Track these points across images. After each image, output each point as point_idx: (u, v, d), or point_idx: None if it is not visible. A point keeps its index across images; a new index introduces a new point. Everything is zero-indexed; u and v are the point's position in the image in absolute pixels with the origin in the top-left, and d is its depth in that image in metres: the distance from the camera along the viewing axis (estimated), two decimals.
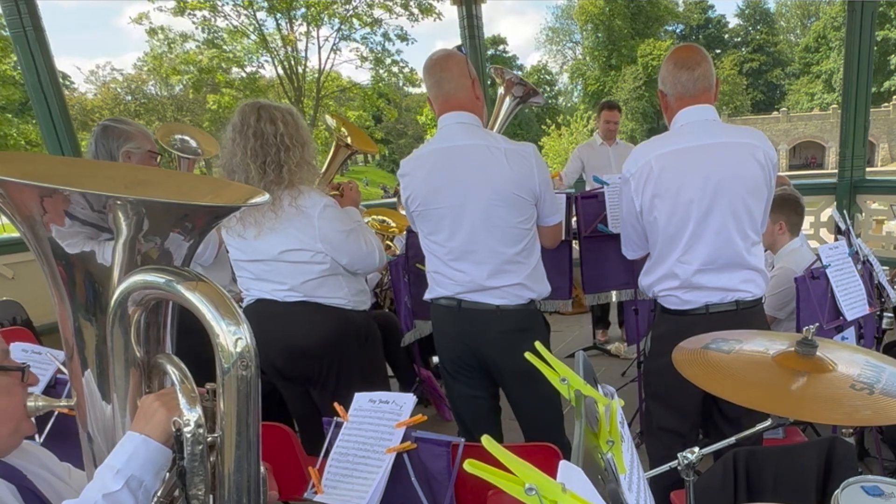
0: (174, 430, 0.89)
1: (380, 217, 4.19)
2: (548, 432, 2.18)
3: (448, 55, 2.07)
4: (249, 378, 0.83)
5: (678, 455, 1.32)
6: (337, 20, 24.99)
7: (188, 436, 0.87)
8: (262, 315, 2.20)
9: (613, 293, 3.30)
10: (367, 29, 25.50)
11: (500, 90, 3.53)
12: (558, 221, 2.23)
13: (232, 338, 0.82)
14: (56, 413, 1.79)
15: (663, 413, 2.17)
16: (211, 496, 0.90)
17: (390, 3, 24.02)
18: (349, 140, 3.39)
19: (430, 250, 2.14)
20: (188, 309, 0.84)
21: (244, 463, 0.87)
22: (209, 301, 0.82)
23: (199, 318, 0.83)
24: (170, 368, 0.95)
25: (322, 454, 1.54)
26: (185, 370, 0.94)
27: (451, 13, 5.87)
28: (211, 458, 0.89)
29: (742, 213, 1.94)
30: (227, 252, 2.37)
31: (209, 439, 0.89)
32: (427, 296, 2.23)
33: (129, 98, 33.40)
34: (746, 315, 2.01)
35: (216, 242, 2.52)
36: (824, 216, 5.34)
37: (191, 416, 0.88)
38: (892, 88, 42.03)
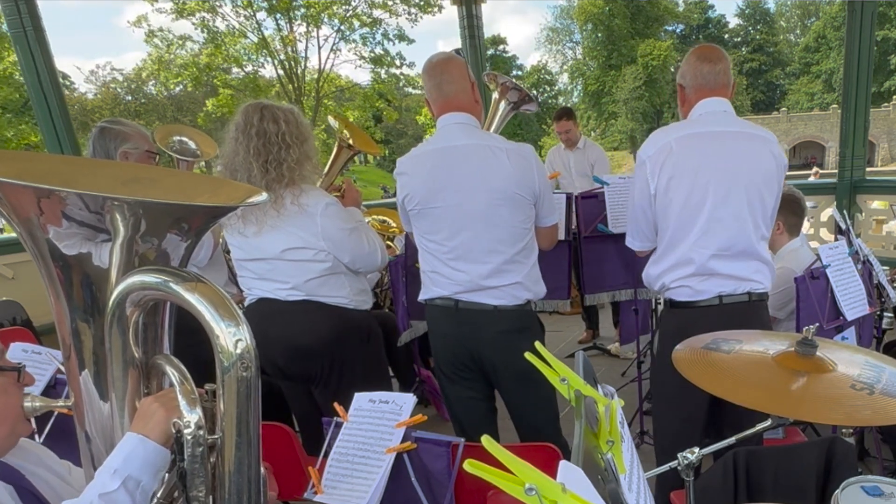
0: (174, 431, 0.88)
1: (380, 217, 4.19)
2: (544, 433, 2.18)
3: (449, 58, 2.08)
4: (250, 379, 0.83)
5: (678, 455, 1.31)
6: (337, 20, 24.97)
7: (188, 437, 0.87)
8: (264, 314, 2.20)
9: (613, 293, 3.30)
10: (367, 29, 25.49)
11: (495, 95, 3.53)
12: (555, 223, 2.23)
13: (232, 339, 0.81)
14: (56, 413, 1.78)
15: (671, 413, 2.14)
16: (211, 497, 0.89)
17: (390, 3, 24.00)
18: (351, 141, 3.38)
19: (428, 249, 2.14)
20: (187, 310, 0.84)
21: (244, 464, 0.87)
22: (209, 302, 0.82)
23: (198, 319, 0.82)
24: (169, 369, 0.94)
25: (322, 454, 1.54)
26: (184, 371, 0.94)
27: (451, 13, 5.86)
28: (211, 459, 0.89)
29: (756, 202, 1.96)
30: (225, 253, 2.37)
31: (209, 441, 0.88)
32: (422, 296, 2.22)
33: (129, 98, 33.38)
34: (757, 308, 2.02)
35: (210, 243, 2.52)
36: (824, 216, 5.34)
37: (191, 417, 0.88)
38: (892, 88, 42.03)
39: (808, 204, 5.26)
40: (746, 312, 1.96)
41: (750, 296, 2.00)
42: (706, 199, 1.94)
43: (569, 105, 53.09)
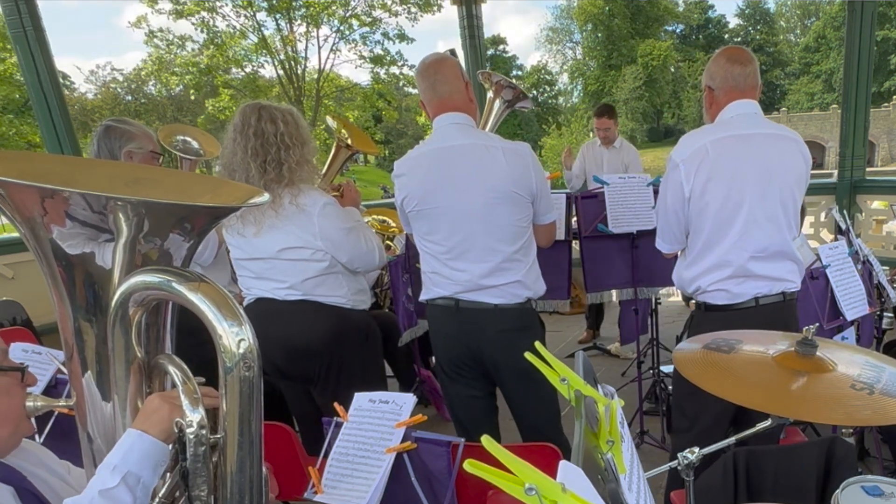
0: (177, 430, 0.89)
1: (380, 217, 4.19)
2: (546, 431, 2.18)
3: (442, 58, 2.09)
4: (252, 378, 0.83)
5: (678, 455, 1.32)
6: (336, 21, 24.97)
7: (191, 437, 0.87)
8: (263, 314, 2.20)
9: (614, 293, 3.30)
10: (367, 28, 25.49)
11: (490, 94, 3.53)
12: (553, 220, 2.24)
13: (235, 338, 0.81)
14: (56, 413, 1.78)
15: (707, 409, 2.09)
16: (213, 497, 0.90)
17: (389, 2, 24.00)
18: (350, 141, 3.39)
19: (428, 250, 2.14)
20: (190, 310, 0.84)
21: (246, 463, 0.87)
22: (211, 302, 0.82)
23: (201, 318, 0.82)
24: (171, 369, 0.95)
25: (322, 454, 1.54)
26: (186, 371, 0.94)
27: (451, 13, 5.85)
28: (213, 459, 0.89)
29: (789, 203, 1.99)
30: (228, 252, 2.37)
31: (212, 440, 0.89)
32: (423, 297, 2.23)
33: (130, 98, 33.42)
34: (791, 307, 2.04)
35: (215, 242, 2.53)
36: (824, 216, 5.33)
37: (193, 416, 0.88)
38: (892, 88, 42.06)
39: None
40: (780, 312, 1.98)
41: (784, 295, 2.02)
42: (743, 201, 1.95)
43: (569, 105, 53.27)
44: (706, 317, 2.11)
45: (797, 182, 1.99)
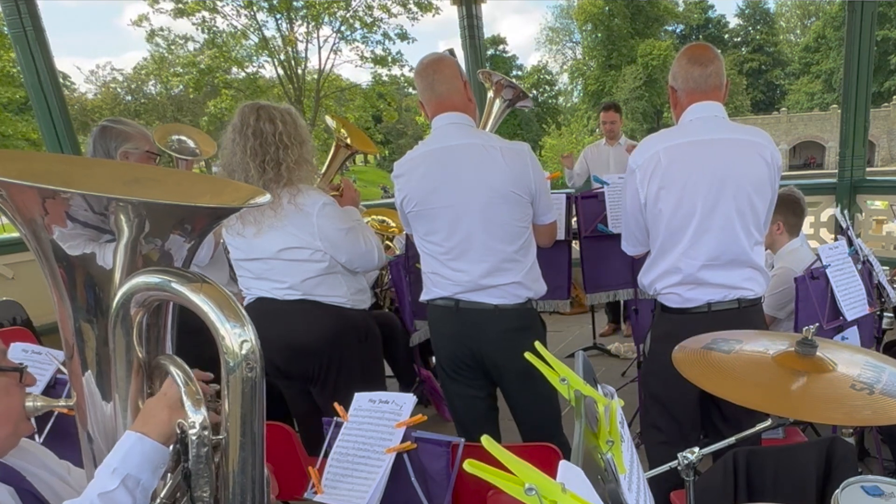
0: (179, 432, 0.89)
1: (379, 217, 4.18)
2: (546, 432, 2.18)
3: (440, 58, 2.08)
4: (255, 379, 0.83)
5: (678, 455, 1.32)
6: (337, 21, 24.98)
7: (193, 438, 0.87)
8: (262, 313, 2.20)
9: (614, 293, 3.30)
10: (367, 29, 25.50)
11: (490, 93, 3.53)
12: (553, 220, 2.24)
13: (237, 339, 0.81)
14: (56, 413, 1.79)
15: (660, 412, 2.16)
16: (214, 497, 0.89)
17: (389, 3, 24.03)
18: (349, 141, 3.39)
19: (427, 251, 2.14)
20: (192, 311, 0.84)
21: (248, 464, 0.87)
22: (214, 303, 0.82)
23: (203, 319, 0.82)
24: (173, 370, 0.94)
25: (322, 454, 1.54)
26: (188, 372, 0.94)
27: (451, 13, 5.84)
28: (215, 460, 0.89)
29: (747, 210, 1.94)
30: (226, 252, 2.37)
31: (214, 441, 0.89)
32: (423, 297, 2.23)
33: (129, 98, 33.40)
34: (748, 313, 2.01)
35: (212, 242, 2.52)
36: (824, 216, 5.33)
37: (196, 417, 0.88)
38: (892, 88, 42.01)
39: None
40: (736, 318, 1.95)
41: (740, 302, 2.00)
42: (695, 210, 1.93)
43: (569, 105, 53.22)
44: (662, 317, 2.13)
45: (755, 188, 1.93)
